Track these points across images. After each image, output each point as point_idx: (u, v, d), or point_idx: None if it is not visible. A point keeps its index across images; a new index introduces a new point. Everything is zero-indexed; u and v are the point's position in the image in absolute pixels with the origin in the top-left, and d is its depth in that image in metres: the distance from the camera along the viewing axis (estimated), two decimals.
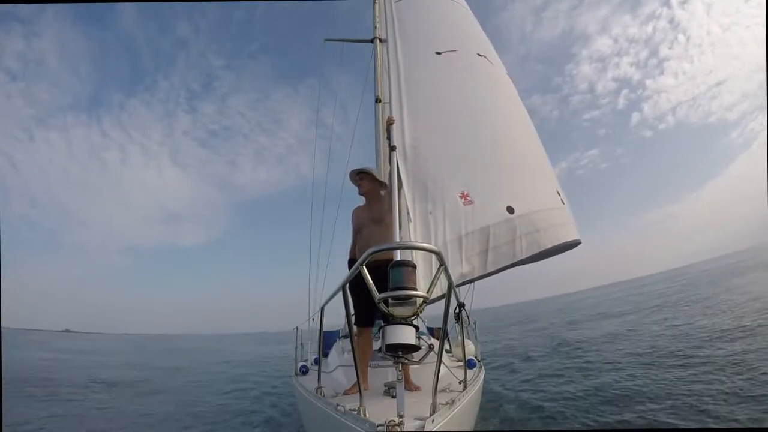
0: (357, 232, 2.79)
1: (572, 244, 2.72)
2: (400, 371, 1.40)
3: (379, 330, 1.81)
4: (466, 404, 1.80)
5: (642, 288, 26.77)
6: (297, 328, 4.54)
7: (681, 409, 3.44)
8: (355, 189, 2.83)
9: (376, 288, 1.33)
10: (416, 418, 1.30)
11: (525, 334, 13.08)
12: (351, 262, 2.89)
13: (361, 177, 2.77)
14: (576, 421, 3.59)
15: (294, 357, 4.18)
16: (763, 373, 3.98)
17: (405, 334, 1.32)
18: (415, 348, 1.35)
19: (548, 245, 2.49)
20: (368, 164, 3.08)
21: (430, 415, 1.35)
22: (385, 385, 2.16)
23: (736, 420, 3.05)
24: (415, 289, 1.34)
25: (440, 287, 1.59)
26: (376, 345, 1.91)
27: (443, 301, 1.54)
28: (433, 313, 2.81)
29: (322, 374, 2.45)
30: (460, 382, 2.18)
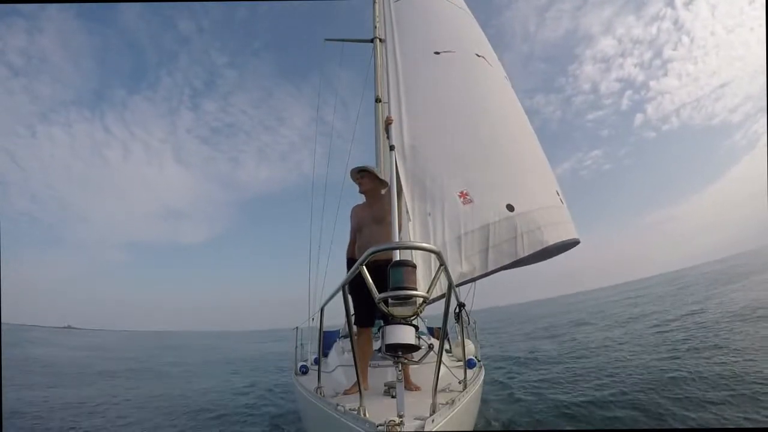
0: (357, 230, 2.78)
1: (571, 244, 2.71)
2: (400, 371, 1.40)
3: (379, 330, 1.81)
4: (466, 404, 1.80)
5: (637, 291, 26.39)
6: (297, 328, 4.54)
7: None
8: (356, 187, 2.83)
9: (376, 288, 1.33)
10: (416, 418, 1.29)
11: (497, 338, 12.67)
12: (349, 261, 2.89)
13: (362, 175, 2.77)
14: None
15: (294, 357, 4.18)
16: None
17: (405, 334, 1.32)
18: (415, 348, 1.35)
19: (550, 242, 2.46)
20: (369, 163, 3.08)
21: (430, 415, 1.35)
22: (385, 385, 2.16)
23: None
24: (415, 289, 1.34)
25: (440, 287, 1.59)
26: (376, 345, 1.91)
27: (443, 301, 1.54)
28: (434, 313, 2.81)
29: (322, 374, 2.45)
30: (460, 382, 2.18)
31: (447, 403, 1.56)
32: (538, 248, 2.44)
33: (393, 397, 1.96)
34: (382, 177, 2.85)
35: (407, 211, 2.37)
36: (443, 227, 2.37)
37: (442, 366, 1.54)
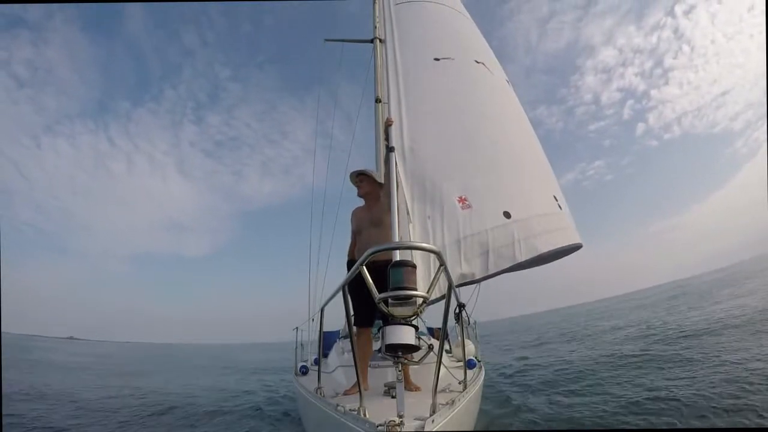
0: (356, 233, 2.80)
1: (572, 249, 2.72)
2: (399, 371, 1.40)
3: (378, 330, 1.81)
4: (466, 404, 1.80)
5: (635, 301, 26.08)
6: (297, 328, 4.54)
7: None
8: (356, 190, 2.84)
9: (376, 288, 1.34)
10: (416, 419, 1.29)
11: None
12: (350, 263, 2.89)
13: (361, 179, 2.79)
14: None
15: (294, 357, 4.18)
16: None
17: (405, 335, 1.32)
18: (414, 348, 1.35)
19: (543, 250, 2.50)
20: (369, 164, 3.09)
21: (430, 416, 1.35)
22: (385, 386, 2.16)
23: None
24: (415, 289, 1.34)
25: (440, 288, 1.59)
26: (376, 345, 1.91)
27: (443, 301, 1.54)
28: (433, 313, 2.80)
29: (322, 374, 2.45)
30: (460, 383, 2.18)
31: (447, 403, 1.56)
32: (534, 255, 2.48)
33: (393, 397, 1.96)
34: (381, 180, 2.86)
35: (407, 213, 2.38)
36: (442, 230, 2.39)
37: (442, 366, 1.54)
